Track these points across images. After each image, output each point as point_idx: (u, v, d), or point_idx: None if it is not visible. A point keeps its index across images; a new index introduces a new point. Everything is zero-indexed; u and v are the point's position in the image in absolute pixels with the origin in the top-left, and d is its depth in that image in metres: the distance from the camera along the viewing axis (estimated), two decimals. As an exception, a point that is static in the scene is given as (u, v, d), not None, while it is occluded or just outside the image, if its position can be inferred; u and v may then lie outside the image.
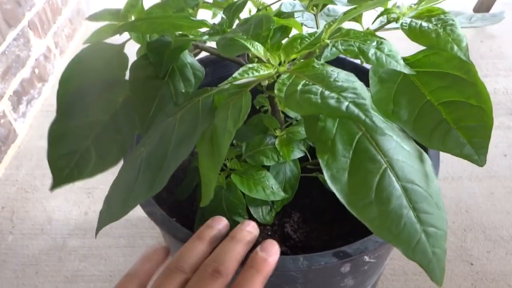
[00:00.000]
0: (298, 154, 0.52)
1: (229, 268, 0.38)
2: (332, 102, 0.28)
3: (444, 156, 1.06)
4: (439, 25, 0.36)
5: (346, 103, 0.28)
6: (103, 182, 1.01)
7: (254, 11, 0.56)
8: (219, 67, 0.67)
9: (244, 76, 0.32)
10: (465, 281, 0.82)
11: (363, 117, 0.27)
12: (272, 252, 0.40)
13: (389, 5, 0.41)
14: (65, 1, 1.44)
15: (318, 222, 0.56)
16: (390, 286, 0.81)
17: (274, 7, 0.55)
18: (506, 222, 0.91)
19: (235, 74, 0.32)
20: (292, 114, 0.59)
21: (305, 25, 0.54)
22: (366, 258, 0.45)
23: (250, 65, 0.33)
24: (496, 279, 0.82)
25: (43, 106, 1.26)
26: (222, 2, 0.55)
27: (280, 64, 0.35)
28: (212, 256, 0.39)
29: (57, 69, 1.37)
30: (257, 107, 0.60)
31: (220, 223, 0.42)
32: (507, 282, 0.81)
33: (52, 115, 1.26)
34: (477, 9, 1.57)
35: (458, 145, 0.35)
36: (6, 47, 1.10)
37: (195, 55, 0.53)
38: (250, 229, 0.41)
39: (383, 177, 0.32)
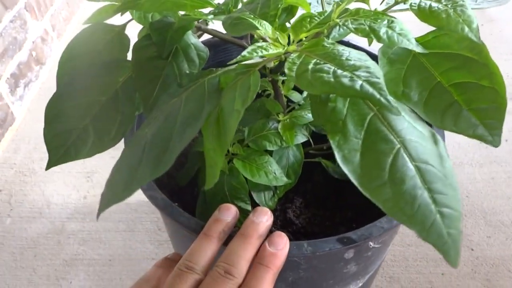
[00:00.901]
0: (301, 138, 0.51)
1: (241, 269, 0.37)
2: (345, 81, 0.28)
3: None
4: (449, 6, 0.35)
5: (360, 82, 0.27)
6: (102, 166, 1.01)
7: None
8: (220, 51, 0.66)
9: (253, 54, 0.31)
10: (465, 266, 0.82)
11: (378, 95, 0.27)
12: (281, 245, 0.39)
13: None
14: (61, -18, 1.41)
15: (321, 208, 0.56)
16: (390, 272, 0.81)
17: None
18: (506, 207, 0.91)
19: (244, 53, 0.31)
20: (295, 98, 0.59)
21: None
22: (371, 244, 0.44)
23: (259, 44, 0.32)
24: (496, 264, 0.82)
25: (41, 89, 1.24)
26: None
27: (289, 43, 0.34)
28: (223, 256, 0.38)
29: (54, 52, 1.35)
30: (260, 91, 0.60)
31: (229, 214, 0.41)
32: (507, 267, 0.82)
33: (49, 98, 1.25)
34: (478, -6, 1.56)
35: (470, 126, 0.34)
36: (2, 29, 1.08)
37: (197, 37, 0.52)
38: (263, 219, 0.40)
39: (396, 157, 0.31)
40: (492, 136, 0.33)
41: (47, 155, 1.04)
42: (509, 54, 1.32)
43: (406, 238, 0.85)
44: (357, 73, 0.28)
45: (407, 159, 0.31)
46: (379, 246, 0.47)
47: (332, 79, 0.28)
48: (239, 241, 0.39)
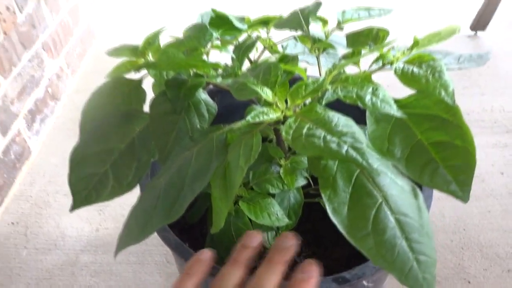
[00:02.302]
0: (301, 182, 0.56)
1: None
2: (333, 146, 0.32)
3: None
4: (428, 71, 0.40)
5: (346, 147, 0.32)
6: (113, 200, 1.05)
7: (260, 49, 0.60)
8: (226, 95, 0.71)
9: (255, 119, 0.36)
10: (462, 298, 0.85)
11: (360, 159, 0.31)
12: (312, 272, 0.40)
13: (384, 49, 0.45)
14: (76, 21, 1.49)
15: (320, 246, 0.60)
16: (389, 303, 0.84)
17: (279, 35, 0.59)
18: (502, 240, 0.95)
19: (248, 118, 0.36)
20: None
21: (306, 61, 0.58)
22: (365, 283, 0.48)
23: (261, 109, 0.37)
24: (492, 297, 0.85)
25: (56, 124, 1.30)
26: (231, 39, 0.59)
27: (286, 107, 0.39)
28: (252, 282, 0.40)
29: (69, 87, 1.41)
30: (263, 136, 0.64)
31: (255, 240, 0.43)
32: (502, 299, 0.85)
33: (63, 133, 1.31)
34: (473, 27, 1.61)
35: (445, 183, 0.38)
36: (21, 68, 1.15)
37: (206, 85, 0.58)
38: (287, 245, 0.42)
39: (379, 210, 0.36)
40: (462, 192, 0.38)
41: (61, 188, 1.09)
42: (504, 88, 1.37)
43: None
44: (343, 138, 0.33)
45: (388, 212, 0.36)
46: (373, 284, 0.51)
47: (322, 144, 0.33)
48: (266, 266, 0.41)
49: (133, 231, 0.44)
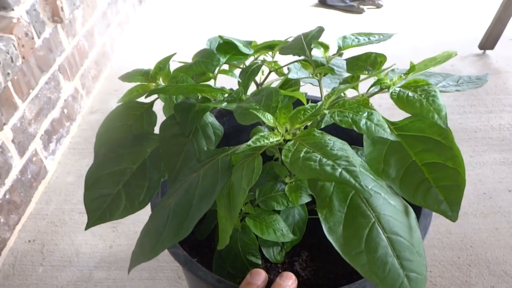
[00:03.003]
0: (305, 199, 0.58)
1: None
2: (328, 168, 0.35)
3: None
4: (423, 96, 0.42)
5: (340, 170, 0.35)
6: (126, 217, 1.08)
7: (266, 71, 0.63)
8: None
9: (256, 143, 0.39)
10: (469, 315, 0.86)
11: (353, 182, 0.34)
12: None
13: (382, 74, 0.48)
14: (91, 44, 1.54)
15: (324, 261, 0.62)
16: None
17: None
18: (509, 257, 0.95)
19: (249, 142, 0.39)
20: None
21: (310, 83, 0.61)
22: (365, 296, 0.50)
23: (262, 134, 0.40)
24: (500, 313, 0.86)
25: (71, 143, 1.34)
26: (238, 64, 0.62)
27: (286, 131, 0.42)
28: None
29: (83, 108, 1.46)
30: (269, 155, 0.67)
31: (259, 278, 0.48)
32: (510, 316, 0.85)
33: (78, 152, 1.35)
34: (482, 46, 1.63)
35: (436, 202, 0.40)
36: (38, 91, 1.19)
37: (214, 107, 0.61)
38: (288, 283, 0.47)
39: (372, 230, 0.38)
40: (452, 211, 0.40)
41: (76, 206, 1.13)
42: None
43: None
44: (338, 161, 0.35)
45: (380, 231, 0.38)
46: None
47: (317, 167, 0.35)
48: None
49: (145, 249, 0.47)
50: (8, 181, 1.05)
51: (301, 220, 0.60)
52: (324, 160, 0.36)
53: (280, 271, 0.61)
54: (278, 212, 0.59)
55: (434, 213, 0.53)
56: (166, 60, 0.61)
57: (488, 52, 1.66)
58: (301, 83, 0.61)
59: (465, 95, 1.43)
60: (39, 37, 1.19)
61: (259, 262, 0.57)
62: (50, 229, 1.08)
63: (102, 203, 0.55)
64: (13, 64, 1.03)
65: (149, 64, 0.62)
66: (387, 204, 0.40)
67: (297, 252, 0.63)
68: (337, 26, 1.87)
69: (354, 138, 0.55)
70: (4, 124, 1.03)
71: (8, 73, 1.01)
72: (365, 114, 0.40)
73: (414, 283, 0.36)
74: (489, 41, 1.62)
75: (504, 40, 1.64)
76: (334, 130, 0.47)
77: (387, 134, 0.38)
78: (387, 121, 0.44)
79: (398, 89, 0.45)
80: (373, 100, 0.47)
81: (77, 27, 1.43)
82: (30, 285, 0.96)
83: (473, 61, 1.62)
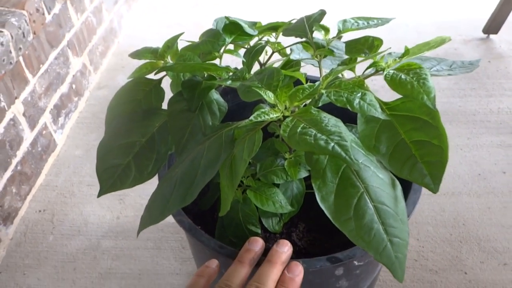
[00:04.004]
0: (303, 174, 0.62)
1: (269, 286, 0.47)
2: (322, 143, 0.38)
3: (446, 173, 1.14)
4: (414, 78, 0.45)
5: (332, 144, 0.38)
6: (133, 190, 1.11)
7: (270, 52, 0.66)
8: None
9: (258, 118, 0.42)
10: (458, 288, 0.90)
11: (344, 155, 0.37)
12: (297, 272, 0.50)
13: (378, 57, 0.51)
14: (99, 21, 1.56)
15: (321, 232, 0.66)
16: (389, 291, 0.90)
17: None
18: (500, 235, 0.99)
19: (251, 117, 0.43)
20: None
21: (312, 64, 0.64)
22: (356, 262, 0.54)
23: (263, 110, 0.43)
24: (488, 288, 0.90)
25: (79, 118, 1.38)
26: (243, 44, 0.65)
27: (285, 108, 0.45)
28: (255, 277, 0.49)
29: (91, 84, 1.49)
30: (270, 132, 0.70)
31: (257, 245, 0.52)
32: (497, 290, 0.89)
33: (86, 127, 1.39)
34: (486, 31, 1.64)
35: (421, 176, 0.44)
36: (48, 66, 1.22)
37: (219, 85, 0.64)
38: (285, 249, 0.51)
39: (360, 199, 0.42)
40: (434, 184, 0.44)
41: (85, 179, 1.18)
42: (512, 90, 1.40)
43: (404, 261, 0.94)
44: (331, 137, 0.38)
45: (368, 200, 0.42)
46: (364, 265, 0.57)
47: (312, 141, 0.38)
48: (267, 266, 0.50)
49: (153, 213, 0.51)
50: (20, 153, 1.09)
51: (299, 193, 0.63)
52: (318, 135, 0.39)
53: (278, 240, 0.65)
54: (278, 185, 0.63)
55: (429, 192, 0.56)
56: (174, 39, 0.64)
57: (492, 36, 1.67)
58: (304, 64, 0.64)
59: (466, 79, 1.45)
60: (49, 13, 1.21)
61: (259, 231, 0.61)
62: (59, 199, 1.13)
63: (113, 173, 0.58)
64: (24, 39, 1.06)
65: (156, 41, 0.65)
66: (376, 177, 0.43)
67: (295, 224, 0.67)
68: (341, 8, 1.88)
69: (352, 117, 0.58)
70: (16, 97, 1.07)
71: (20, 48, 1.04)
72: (359, 94, 0.43)
73: (396, 247, 0.40)
74: (493, 26, 1.63)
75: (508, 25, 1.64)
76: (335, 109, 0.50)
77: (378, 113, 0.42)
78: (380, 101, 0.47)
79: (392, 71, 0.48)
80: (374, 82, 0.51)
81: (85, 3, 1.45)
82: (41, 252, 1.01)
83: (477, 45, 1.63)
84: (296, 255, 0.63)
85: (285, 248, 0.51)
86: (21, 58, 1.08)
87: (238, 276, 0.49)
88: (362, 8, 1.88)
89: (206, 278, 0.50)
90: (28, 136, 1.13)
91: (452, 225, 1.01)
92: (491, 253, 0.96)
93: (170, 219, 0.60)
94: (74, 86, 1.37)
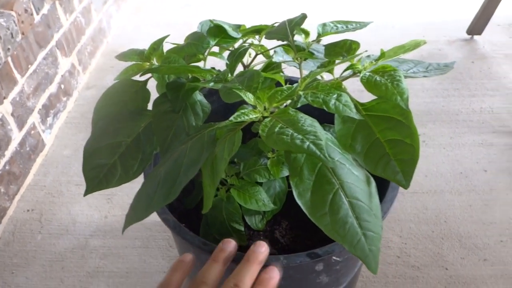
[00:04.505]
0: (286, 172, 0.64)
1: (246, 284, 0.49)
2: (298, 142, 0.40)
3: (428, 172, 1.17)
4: (388, 80, 0.47)
5: (308, 143, 0.40)
6: (120, 189, 1.13)
7: (253, 54, 0.68)
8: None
9: (237, 119, 0.44)
10: (439, 284, 0.92)
11: (319, 153, 0.39)
12: (273, 274, 0.51)
13: (355, 60, 0.52)
14: (88, 21, 1.57)
15: (303, 229, 0.68)
16: (371, 287, 0.92)
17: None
18: (480, 232, 1.02)
19: (232, 118, 0.44)
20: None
21: (294, 66, 0.65)
22: (335, 258, 0.56)
23: (243, 110, 0.45)
24: (468, 283, 0.92)
25: (67, 118, 1.39)
26: (227, 46, 0.67)
27: (265, 108, 0.47)
28: (233, 275, 0.50)
29: (80, 84, 1.50)
30: (255, 132, 0.72)
31: (230, 245, 0.53)
32: (477, 285, 0.92)
33: (74, 127, 1.40)
34: (470, 31, 1.67)
35: (393, 173, 0.46)
36: (37, 66, 1.23)
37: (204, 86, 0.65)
38: (261, 250, 0.52)
39: (335, 195, 0.44)
40: (405, 181, 0.46)
41: (73, 178, 1.19)
42: (495, 90, 1.43)
43: (387, 257, 0.96)
44: (307, 136, 0.40)
45: (343, 196, 0.44)
46: (344, 261, 0.59)
47: (289, 140, 0.40)
48: (244, 265, 0.51)
49: (137, 211, 0.52)
50: (8, 153, 1.10)
51: (281, 191, 0.65)
52: (295, 134, 0.41)
53: (261, 238, 0.67)
54: (261, 184, 0.64)
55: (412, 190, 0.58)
56: (160, 41, 0.65)
57: (476, 37, 1.70)
58: (287, 66, 0.66)
59: (450, 79, 1.48)
60: (38, 13, 1.22)
61: (242, 229, 0.63)
62: (47, 199, 1.13)
63: (99, 172, 0.60)
64: (13, 39, 1.07)
65: (146, 41, 0.66)
66: (351, 174, 0.45)
67: (278, 221, 0.69)
68: (326, 10, 1.90)
69: (332, 118, 0.60)
70: (4, 98, 1.08)
71: (9, 49, 1.05)
72: (335, 96, 0.45)
73: (370, 240, 0.42)
74: (477, 27, 1.66)
75: (492, 26, 1.68)
76: (316, 110, 0.52)
77: (353, 113, 0.44)
78: (357, 102, 0.49)
79: (368, 73, 0.50)
80: (355, 85, 0.52)
81: (74, 3, 1.46)
82: (29, 251, 1.02)
83: (461, 46, 1.66)
84: (279, 252, 0.65)
85: (262, 249, 0.52)
86: (9, 59, 1.09)
87: (213, 274, 0.50)
88: (348, 10, 1.90)
89: (180, 272, 0.51)
90: (17, 136, 1.13)
91: (434, 222, 1.04)
92: (472, 249, 0.98)
93: (157, 218, 0.62)
94: (62, 86, 1.38)
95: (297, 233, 0.67)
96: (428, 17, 1.83)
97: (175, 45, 0.65)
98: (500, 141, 1.25)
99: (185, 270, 0.52)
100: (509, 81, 1.47)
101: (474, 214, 1.06)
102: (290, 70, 0.62)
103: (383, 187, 0.58)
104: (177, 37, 0.66)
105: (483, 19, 1.64)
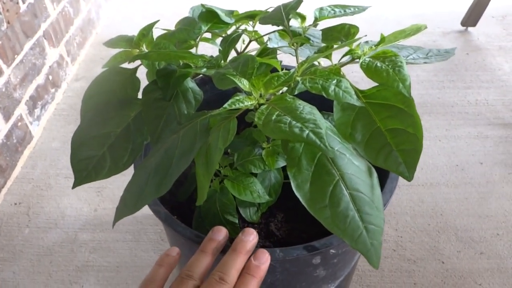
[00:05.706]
0: (281, 163, 0.62)
1: (232, 277, 0.46)
2: (296, 130, 0.38)
3: (424, 164, 1.15)
4: (389, 66, 0.45)
5: (307, 132, 0.38)
6: (111, 182, 1.11)
7: (247, 40, 0.65)
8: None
9: (232, 106, 0.42)
10: (436, 277, 0.91)
11: (319, 142, 0.37)
12: (263, 260, 0.48)
13: (354, 45, 0.50)
14: (76, 11, 1.53)
15: (299, 222, 0.66)
16: (367, 281, 0.90)
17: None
18: (477, 225, 1.00)
19: (226, 105, 0.42)
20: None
21: (290, 53, 0.63)
22: (332, 251, 0.54)
23: (238, 97, 0.43)
24: (464, 276, 0.91)
25: (56, 110, 1.35)
26: (220, 32, 0.64)
27: (260, 95, 0.45)
28: (218, 267, 0.48)
29: (68, 75, 1.46)
30: (248, 122, 0.70)
31: (220, 234, 0.51)
32: (474, 279, 0.91)
33: (63, 119, 1.37)
34: (464, 23, 1.66)
35: (395, 164, 0.44)
36: (23, 56, 1.20)
37: (196, 74, 0.63)
38: (250, 238, 0.50)
39: (335, 186, 0.42)
40: (408, 172, 0.44)
41: (62, 171, 1.16)
42: (489, 82, 1.42)
43: (383, 251, 0.95)
44: (306, 124, 0.38)
45: (343, 188, 0.42)
46: (342, 254, 0.57)
47: (287, 129, 0.38)
48: (231, 255, 0.49)
49: (128, 204, 0.50)
50: (-6, 145, 1.06)
51: (277, 183, 0.63)
52: (293, 122, 0.39)
53: (256, 230, 0.64)
54: (255, 175, 0.62)
55: (408, 183, 0.57)
56: (149, 27, 0.62)
57: (470, 29, 1.69)
58: (282, 52, 0.63)
59: (445, 71, 1.47)
60: (24, 2, 1.19)
61: (236, 221, 0.60)
62: (35, 192, 1.11)
63: (88, 164, 0.57)
64: (-2, 28, 1.03)
65: (135, 32, 0.64)
66: (351, 164, 0.43)
67: (273, 214, 0.67)
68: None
69: (329, 106, 0.58)
70: (-10, 88, 1.04)
71: (-7, 38, 1.02)
72: (334, 81, 0.43)
73: (372, 234, 0.40)
74: (471, 18, 1.65)
75: (486, 18, 1.67)
76: (313, 98, 0.50)
77: (354, 100, 0.41)
78: (356, 89, 0.47)
79: (368, 59, 0.48)
80: (354, 73, 0.50)
81: (62, -7, 1.42)
82: (16, 246, 0.99)
83: (455, 37, 1.65)
84: (274, 245, 0.63)
85: (250, 237, 0.50)
86: (-6, 48, 1.05)
87: (200, 266, 0.48)
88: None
89: (166, 267, 0.50)
90: (3, 127, 1.10)
91: (430, 215, 1.02)
92: (468, 243, 0.97)
93: (148, 210, 0.59)
94: (50, 77, 1.34)
95: (293, 226, 0.65)
96: (422, 9, 1.82)
97: (165, 31, 0.62)
98: (495, 133, 1.23)
99: (170, 264, 0.50)
100: (504, 73, 1.46)
101: (470, 207, 1.04)
102: (285, 59, 0.60)
103: (382, 178, 0.56)
104: (167, 27, 0.63)
105: (477, 10, 1.62)
